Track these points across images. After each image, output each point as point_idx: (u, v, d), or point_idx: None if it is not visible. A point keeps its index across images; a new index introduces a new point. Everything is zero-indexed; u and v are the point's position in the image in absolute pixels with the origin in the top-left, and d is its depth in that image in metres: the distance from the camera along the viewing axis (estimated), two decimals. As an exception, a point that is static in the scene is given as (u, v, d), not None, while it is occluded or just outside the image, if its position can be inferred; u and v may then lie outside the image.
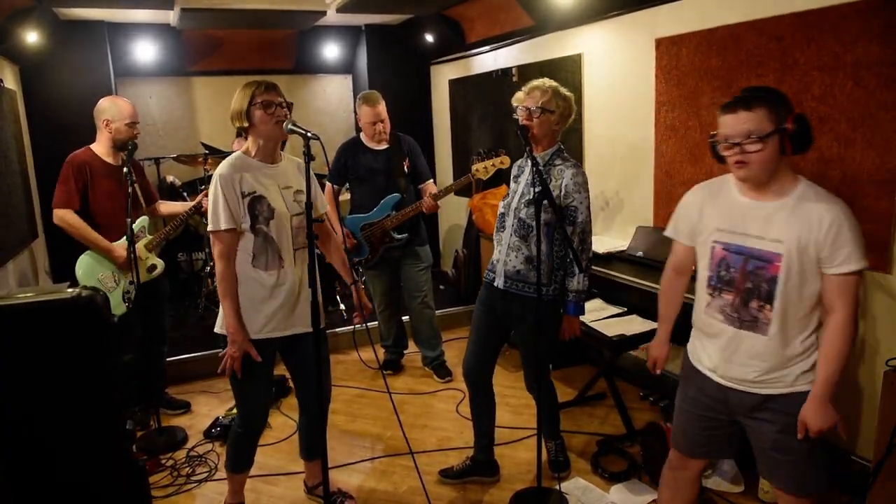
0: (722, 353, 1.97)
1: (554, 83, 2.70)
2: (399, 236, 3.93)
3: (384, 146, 3.96)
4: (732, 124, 1.81)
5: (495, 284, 2.80)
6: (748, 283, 1.89)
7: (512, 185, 2.83)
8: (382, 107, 3.86)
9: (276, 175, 2.47)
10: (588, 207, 2.69)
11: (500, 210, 2.83)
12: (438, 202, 3.86)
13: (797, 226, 1.80)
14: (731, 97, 1.87)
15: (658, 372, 2.33)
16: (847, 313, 1.80)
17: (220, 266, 2.39)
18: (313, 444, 2.79)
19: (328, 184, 4.01)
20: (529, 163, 2.58)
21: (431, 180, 4.12)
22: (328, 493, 2.34)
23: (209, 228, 2.40)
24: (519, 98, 2.72)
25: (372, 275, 4.15)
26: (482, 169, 3.66)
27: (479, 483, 3.00)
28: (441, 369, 4.22)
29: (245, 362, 2.44)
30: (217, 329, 2.49)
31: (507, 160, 3.63)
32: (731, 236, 1.93)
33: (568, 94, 2.71)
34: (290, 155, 2.61)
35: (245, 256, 2.42)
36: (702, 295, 2.03)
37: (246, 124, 2.40)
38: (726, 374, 1.98)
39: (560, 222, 2.50)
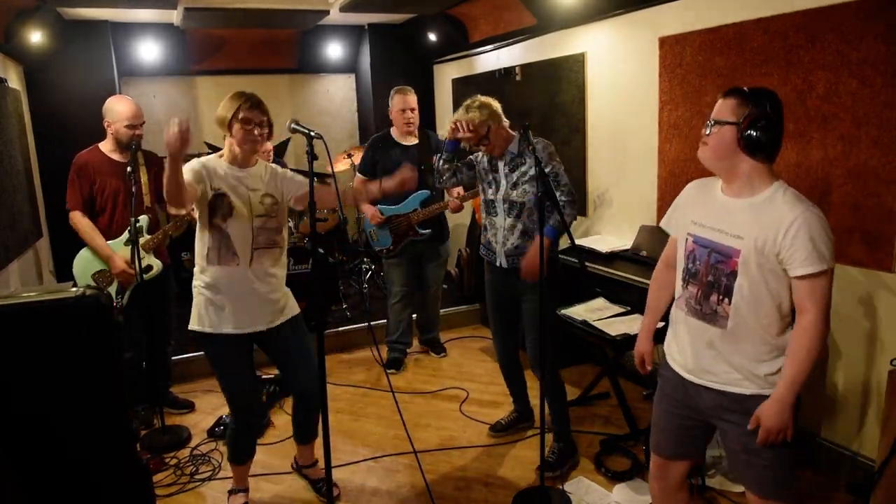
0: (689, 346, 1.98)
1: (466, 104, 2.97)
2: (423, 231, 4.10)
3: (413, 141, 4.13)
4: (713, 108, 1.89)
5: (497, 265, 3.06)
6: (710, 276, 1.91)
7: (488, 176, 3.06)
8: (413, 97, 4.08)
9: (245, 178, 2.57)
10: (564, 170, 2.96)
11: (489, 197, 3.06)
12: (463, 203, 4.09)
13: (758, 224, 1.80)
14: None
15: (648, 369, 2.30)
16: (815, 314, 1.76)
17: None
18: (302, 427, 2.89)
19: (357, 174, 4.23)
20: (505, 158, 2.99)
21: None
22: (331, 490, 2.36)
23: None
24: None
25: (392, 264, 4.26)
26: None
27: (483, 482, 3.01)
28: (436, 346, 4.58)
29: (220, 358, 2.59)
30: (192, 326, 2.58)
31: None
32: (701, 230, 1.95)
33: (480, 102, 2.94)
34: (263, 161, 2.70)
35: (203, 251, 2.54)
36: (677, 287, 2.06)
37: (225, 133, 2.53)
38: (695, 370, 1.98)
39: (557, 208, 2.65)
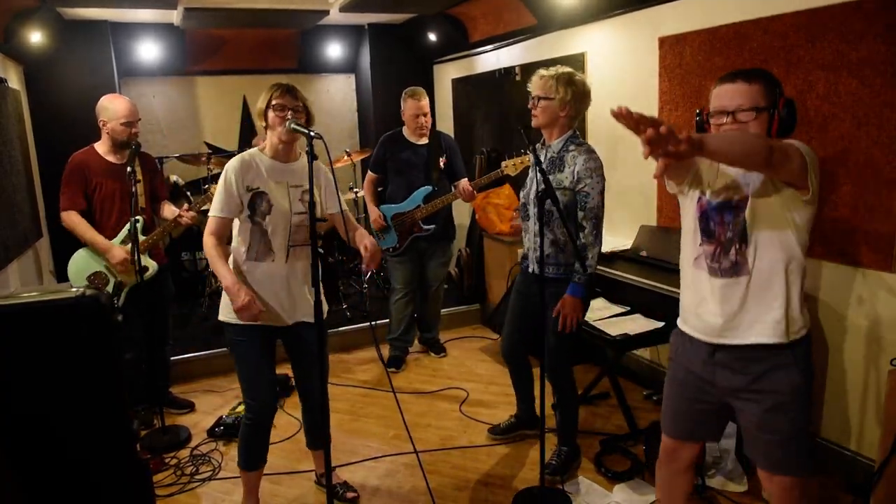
0: (712, 305, 1.97)
1: (559, 70, 2.73)
2: (427, 227, 4.12)
3: (424, 141, 4.14)
4: (730, 94, 1.85)
5: (530, 270, 2.93)
6: (728, 232, 1.92)
7: (530, 172, 2.92)
8: (426, 101, 4.07)
9: (287, 173, 2.55)
10: (601, 193, 2.75)
11: (521, 200, 2.94)
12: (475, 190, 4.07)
13: None
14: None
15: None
16: (769, 141, 1.73)
17: (207, 241, 2.51)
18: (313, 434, 2.86)
19: (369, 172, 4.25)
20: (544, 152, 2.80)
21: (466, 179, 4.20)
22: (331, 484, 2.37)
23: (210, 211, 2.53)
24: (529, 87, 2.80)
25: (396, 261, 4.27)
26: (511, 165, 3.77)
27: (483, 482, 3.01)
28: (436, 346, 4.61)
29: (243, 349, 2.56)
30: (221, 317, 2.58)
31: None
32: (712, 195, 1.96)
33: (575, 79, 2.72)
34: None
35: (241, 246, 2.53)
36: (688, 248, 2.05)
37: (264, 124, 2.53)
38: (716, 329, 1.96)
39: (558, 208, 2.50)
